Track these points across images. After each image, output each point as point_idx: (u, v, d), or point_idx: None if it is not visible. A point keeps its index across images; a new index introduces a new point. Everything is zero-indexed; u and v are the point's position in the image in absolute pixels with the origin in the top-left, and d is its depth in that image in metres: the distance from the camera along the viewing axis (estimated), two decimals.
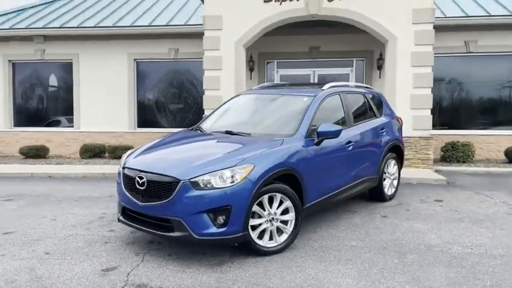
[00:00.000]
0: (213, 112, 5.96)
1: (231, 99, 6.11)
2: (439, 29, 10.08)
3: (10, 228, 5.26)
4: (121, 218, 4.55)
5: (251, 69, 11.11)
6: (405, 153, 8.68)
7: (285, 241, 4.40)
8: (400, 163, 6.83)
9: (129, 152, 4.96)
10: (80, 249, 4.51)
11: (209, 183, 3.97)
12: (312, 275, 3.85)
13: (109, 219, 5.67)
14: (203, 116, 9.72)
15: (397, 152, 6.71)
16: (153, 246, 4.58)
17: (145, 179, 4.16)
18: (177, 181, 3.97)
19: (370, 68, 11.00)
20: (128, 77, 11.67)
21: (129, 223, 4.43)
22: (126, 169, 4.49)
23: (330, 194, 5.11)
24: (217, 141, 4.87)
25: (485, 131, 10.51)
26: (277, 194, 4.31)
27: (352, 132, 5.55)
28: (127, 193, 4.38)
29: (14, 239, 4.85)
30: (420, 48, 8.95)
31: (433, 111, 10.32)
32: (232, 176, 3.99)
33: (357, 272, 3.92)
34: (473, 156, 9.78)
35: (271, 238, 4.34)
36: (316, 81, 11.08)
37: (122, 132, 11.65)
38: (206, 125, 5.59)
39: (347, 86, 6.18)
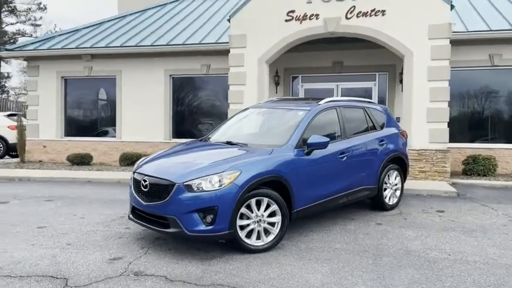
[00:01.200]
0: (222, 124, 6.57)
1: (239, 112, 6.70)
2: (462, 43, 10.21)
3: (44, 223, 6.12)
4: (130, 216, 5.24)
5: (277, 84, 11.68)
6: (422, 165, 8.92)
7: (271, 241, 4.88)
8: (403, 174, 7.08)
9: (142, 159, 5.67)
10: (96, 242, 5.23)
11: (200, 186, 4.56)
12: (288, 271, 4.31)
13: (128, 219, 6.39)
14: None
15: (400, 163, 6.98)
16: (158, 242, 5.22)
17: (148, 182, 4.82)
18: (173, 184, 4.60)
19: (392, 81, 11.22)
20: (164, 91, 12.60)
21: (136, 220, 5.11)
22: (135, 174, 5.18)
23: (321, 201, 5.52)
24: (216, 150, 5.47)
25: (509, 145, 10.37)
26: (264, 198, 4.82)
27: (347, 144, 5.95)
28: (135, 194, 5.07)
29: (45, 232, 5.68)
30: (437, 63, 9.13)
31: (455, 124, 10.41)
32: (219, 181, 4.56)
33: (329, 270, 4.33)
34: (494, 170, 9.71)
35: (258, 238, 4.84)
36: (339, 95, 11.44)
37: (157, 142, 12.53)
38: (213, 136, 6.21)
39: (346, 101, 6.58)
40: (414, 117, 9.21)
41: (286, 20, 9.85)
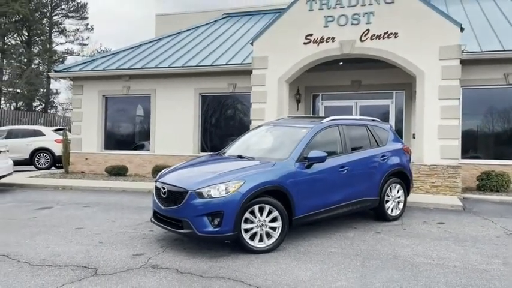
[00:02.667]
0: (237, 140, 7.33)
1: (252, 129, 7.44)
2: (476, 62, 10.56)
3: (82, 225, 7.04)
4: (152, 219, 6.06)
5: (298, 101, 12.37)
6: (433, 180, 9.32)
7: (272, 243, 5.55)
8: (406, 188, 7.55)
9: (164, 170, 6.51)
10: (123, 241, 6.07)
11: (209, 193, 5.31)
12: (282, 268, 4.96)
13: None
14: None
15: (403, 177, 7.47)
16: (176, 242, 5.99)
17: (166, 190, 5.63)
18: (187, 191, 5.38)
19: (409, 99, 11.66)
20: (194, 108, 13.56)
21: (157, 223, 5.92)
22: (157, 182, 6.01)
23: (320, 210, 6.14)
24: (227, 163, 6.22)
25: None
26: (266, 205, 5.51)
27: (347, 159, 6.55)
28: (156, 200, 5.89)
29: (81, 232, 6.58)
30: (447, 82, 9.56)
31: (471, 141, 10.71)
32: (226, 189, 5.30)
33: (319, 269, 4.94)
34: (508, 186, 9.92)
35: (261, 240, 5.52)
36: (358, 112, 11.99)
37: (187, 156, 13.39)
38: (228, 150, 6.98)
39: (349, 119, 7.19)
40: (426, 134, 9.64)
41: (304, 43, 10.59)
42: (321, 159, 5.94)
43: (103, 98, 14.92)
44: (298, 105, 12.42)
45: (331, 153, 6.35)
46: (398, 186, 7.38)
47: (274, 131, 6.96)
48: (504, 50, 10.34)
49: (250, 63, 12.23)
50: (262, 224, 5.51)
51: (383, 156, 7.14)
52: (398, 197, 7.40)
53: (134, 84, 14.36)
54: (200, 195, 5.32)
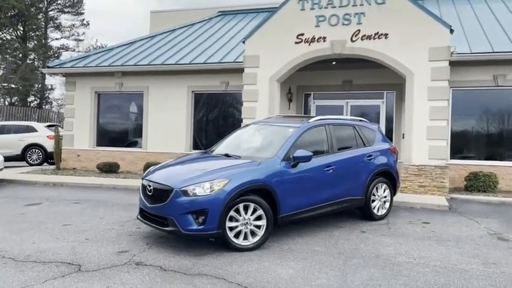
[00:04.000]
0: (225, 138, 7.37)
1: (241, 128, 7.49)
2: (466, 63, 10.64)
3: (69, 222, 7.07)
4: (139, 217, 6.10)
5: (290, 100, 12.43)
6: (421, 180, 9.40)
7: (256, 241, 5.60)
8: (392, 188, 7.62)
9: (150, 168, 6.54)
10: (110, 239, 6.10)
11: (194, 191, 5.35)
12: (265, 266, 5.01)
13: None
14: None
15: (389, 177, 7.54)
16: (161, 240, 6.03)
17: (152, 187, 5.67)
18: (172, 189, 5.42)
19: (400, 99, 11.74)
20: (186, 106, 13.58)
21: (143, 220, 5.95)
22: (144, 180, 6.04)
23: (306, 209, 6.19)
24: (214, 161, 6.26)
25: (511, 163, 10.64)
26: (251, 203, 5.56)
27: (333, 158, 6.61)
28: (142, 198, 5.93)
29: (68, 229, 6.61)
30: (436, 83, 9.64)
31: (459, 142, 10.81)
32: (210, 187, 5.34)
33: (301, 267, 5.00)
34: (494, 187, 10.01)
35: (245, 238, 5.57)
36: (349, 111, 12.05)
37: (179, 153, 13.41)
38: (216, 149, 7.02)
39: (336, 119, 7.24)
40: (415, 135, 9.72)
41: (296, 42, 10.63)
42: (307, 159, 5.99)
43: (95, 94, 14.91)
44: (290, 104, 12.47)
45: (317, 153, 6.40)
46: (384, 185, 7.45)
47: (262, 130, 7.00)
48: (493, 52, 10.42)
49: (243, 62, 12.28)
50: (247, 222, 5.55)
51: (369, 156, 7.20)
52: (385, 197, 7.47)
53: (127, 81, 14.36)
54: (185, 193, 5.36)
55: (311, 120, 6.76)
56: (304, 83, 12.41)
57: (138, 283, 4.44)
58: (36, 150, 16.37)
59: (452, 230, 6.86)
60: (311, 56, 10.51)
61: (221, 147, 6.99)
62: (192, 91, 13.60)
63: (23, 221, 7.10)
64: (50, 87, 43.12)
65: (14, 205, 8.43)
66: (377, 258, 5.38)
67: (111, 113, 15.06)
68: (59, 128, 15.79)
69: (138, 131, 14.50)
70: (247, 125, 7.49)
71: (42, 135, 16.39)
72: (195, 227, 5.32)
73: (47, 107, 41.19)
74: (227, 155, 6.39)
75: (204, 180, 5.41)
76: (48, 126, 17.52)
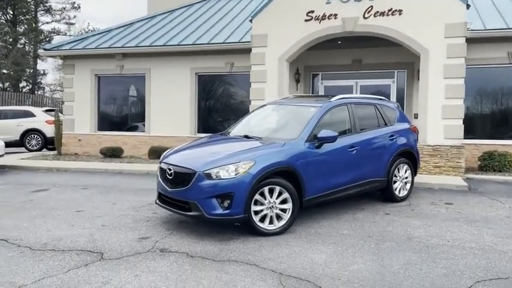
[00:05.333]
0: (241, 119, 7.09)
1: (257, 109, 7.20)
2: (479, 40, 10.37)
3: (81, 208, 6.80)
4: (157, 201, 5.84)
5: (297, 81, 12.11)
6: (437, 161, 9.21)
7: (282, 225, 5.37)
8: (413, 168, 7.42)
9: (167, 151, 6.27)
10: (127, 224, 5.86)
11: (218, 174, 5.09)
12: (296, 251, 4.80)
13: (155, 205, 7.02)
14: None
15: (410, 158, 7.33)
16: (182, 225, 5.79)
17: (173, 171, 5.40)
18: (194, 172, 5.15)
19: (411, 78, 11.47)
20: (190, 88, 13.23)
21: (162, 205, 5.70)
22: (162, 163, 5.77)
23: (330, 191, 5.98)
24: (234, 143, 5.99)
25: None
26: (276, 186, 5.32)
27: (357, 138, 6.36)
28: (161, 182, 5.66)
29: (82, 215, 6.35)
30: (452, 61, 9.37)
31: (472, 121, 10.61)
32: (235, 170, 5.08)
33: (333, 251, 4.79)
34: (510, 166, 9.86)
35: (271, 222, 5.34)
36: (359, 92, 11.77)
37: (184, 137, 13.14)
38: (233, 130, 6.75)
39: (357, 98, 6.99)
40: (430, 114, 9.49)
41: (305, 20, 10.28)
42: (332, 139, 5.75)
43: (95, 77, 14.49)
44: (298, 85, 12.16)
45: (340, 133, 6.14)
46: (406, 166, 7.24)
47: (281, 111, 6.72)
48: (508, 28, 10.15)
49: (249, 42, 11.89)
50: (272, 206, 5.32)
51: (391, 136, 6.97)
52: (406, 178, 7.27)
53: (128, 63, 13.94)
54: (209, 176, 5.10)
55: (333, 99, 6.48)
56: (312, 63, 12.09)
57: (168, 271, 4.21)
58: (35, 136, 15.98)
59: (477, 210, 6.69)
60: (322, 34, 10.17)
61: (238, 129, 6.72)
62: (196, 73, 13.23)
63: (33, 207, 6.83)
64: (42, 72, 42.35)
65: (20, 192, 8.14)
66: (409, 241, 5.18)
67: (112, 97, 14.67)
68: (59, 112, 15.37)
69: (141, 114, 14.15)
70: (262, 106, 7.20)
71: (41, 120, 15.99)
72: (220, 211, 5.08)
73: (39, 92, 40.44)
74: (247, 137, 6.12)
75: (228, 162, 5.15)
76: (46, 110, 17.11)
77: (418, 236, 5.35)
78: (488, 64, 10.63)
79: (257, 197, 5.22)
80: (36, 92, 39.00)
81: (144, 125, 14.21)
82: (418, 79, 11.20)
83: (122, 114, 14.69)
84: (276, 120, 6.57)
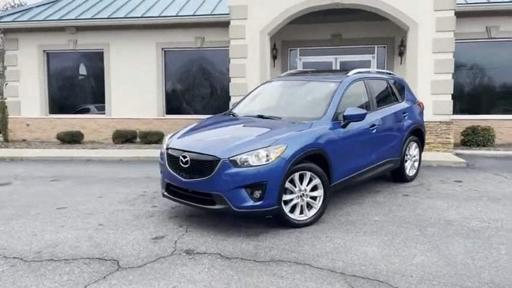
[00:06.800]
0: (244, 98, 6.37)
1: (260, 85, 6.51)
2: (460, 15, 10.21)
3: (63, 204, 5.81)
4: (165, 193, 5.03)
5: (274, 57, 11.45)
6: (426, 137, 9.00)
7: (313, 215, 4.81)
8: (421, 146, 7.14)
9: (169, 134, 5.42)
10: (129, 222, 5.02)
11: (246, 161, 4.39)
12: (341, 244, 4.26)
13: (150, 196, 6.19)
14: (230, 102, 10.21)
15: (418, 135, 7.02)
16: (193, 220, 5.05)
17: (188, 158, 4.61)
18: (218, 159, 4.41)
19: (391, 54, 11.23)
20: (156, 66, 12.15)
21: (173, 198, 4.90)
22: (170, 150, 4.95)
23: (355, 174, 5.49)
24: (251, 124, 5.28)
25: (506, 116, 10.65)
26: (307, 172, 4.71)
27: (376, 116, 5.89)
28: (171, 171, 4.84)
29: (67, 213, 5.39)
30: (441, 34, 9.16)
31: (453, 97, 10.55)
32: (267, 155, 4.40)
33: (381, 242, 4.31)
34: (493, 141, 9.98)
35: (301, 212, 4.75)
36: (338, 67, 11.37)
37: (151, 119, 12.18)
38: (238, 110, 6.01)
39: (370, 72, 6.50)
40: (419, 90, 9.26)
41: None
42: (360, 117, 5.22)
43: (44, 53, 12.94)
44: (275, 61, 11.50)
45: None
46: (415, 144, 6.92)
47: (293, 87, 6.06)
48: (489, 2, 10.11)
49: (221, 15, 11.08)
50: (303, 194, 4.73)
51: (404, 112, 6.58)
52: (414, 156, 6.96)
53: (82, 38, 12.53)
54: (235, 163, 4.39)
55: (350, 73, 5.93)
56: (289, 38, 11.46)
57: (210, 279, 3.51)
58: None
59: (491, 188, 6.52)
60: (308, 6, 9.53)
61: (246, 108, 5.99)
62: (162, 48, 12.16)
63: (3, 206, 5.74)
64: None
65: None
66: (449, 225, 4.83)
67: (65, 76, 13.17)
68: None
69: (100, 95, 12.83)
70: (268, 82, 6.50)
71: None
72: (250, 203, 4.40)
73: None
74: (261, 116, 5.44)
75: (257, 147, 4.46)
76: None
77: (454, 219, 5.00)
78: (468, 39, 10.59)
79: (287, 184, 4.59)
80: None
81: (96, 107, 12.96)
82: (399, 54, 11.03)
83: (77, 95, 13.25)
84: (290, 97, 5.91)
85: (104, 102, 12.74)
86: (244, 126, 5.33)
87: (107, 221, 5.07)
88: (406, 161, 6.74)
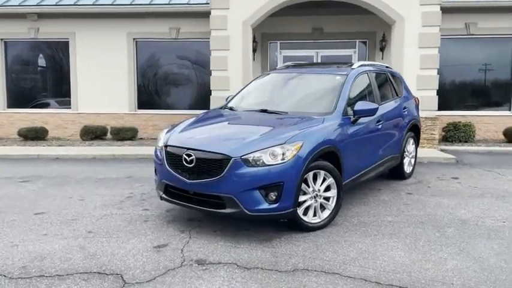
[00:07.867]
0: (239, 92, 5.94)
1: (257, 78, 6.09)
2: (442, 10, 10.21)
3: (40, 209, 5.17)
4: (164, 195, 4.52)
5: (254, 50, 11.01)
6: None
7: (327, 217, 4.47)
8: (417, 142, 6.99)
9: (165, 130, 4.92)
10: (121, 228, 4.48)
11: (260, 160, 3.98)
12: (363, 249, 3.94)
13: (138, 198, 5.64)
14: (210, 96, 9.71)
15: (415, 131, 6.86)
16: (194, 224, 4.59)
17: (193, 157, 4.14)
18: (228, 158, 3.97)
19: (372, 49, 11.10)
20: (127, 57, 11.43)
21: (174, 200, 4.42)
22: (169, 147, 4.45)
23: (363, 172, 5.22)
24: (257, 120, 4.86)
25: (483, 112, 10.79)
26: (321, 171, 4.36)
27: (380, 111, 5.60)
28: (171, 171, 4.34)
29: (48, 219, 4.78)
30: (427, 29, 9.09)
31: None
32: (283, 153, 4.01)
33: (404, 246, 4.03)
34: (474, 137, 10.06)
35: (314, 214, 4.41)
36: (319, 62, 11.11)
37: (122, 114, 11.47)
38: (235, 104, 5.58)
39: (373, 65, 6.23)
40: None
41: None
42: (371, 112, 4.93)
43: (2, 42, 11.87)
44: (255, 54, 11.08)
45: None
46: (412, 140, 6.75)
47: (295, 80, 5.67)
48: None
49: (198, 4, 10.57)
50: (317, 195, 4.38)
51: (404, 108, 6.38)
52: (411, 152, 6.79)
53: (45, 26, 11.58)
54: (247, 162, 3.97)
55: (355, 66, 5.63)
56: (269, 31, 11.06)
57: None
58: None
59: (489, 184, 6.44)
60: None
61: (244, 102, 5.56)
62: (134, 39, 11.44)
63: None
64: None
65: None
66: (465, 224, 4.64)
67: (25, 67, 12.14)
68: None
69: (65, 88, 11.92)
70: (266, 74, 6.08)
71: None
72: (265, 206, 4.00)
73: None
74: (265, 111, 5.03)
75: (271, 144, 4.05)
76: None
77: (468, 219, 4.82)
78: (448, 35, 10.59)
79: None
80: None
81: (57, 102, 12.07)
82: (381, 49, 10.92)
83: (38, 88, 12.27)
84: (293, 91, 5.51)
85: (68, 96, 11.85)
86: (249, 121, 4.90)
87: (96, 227, 4.51)
88: (405, 157, 6.55)
